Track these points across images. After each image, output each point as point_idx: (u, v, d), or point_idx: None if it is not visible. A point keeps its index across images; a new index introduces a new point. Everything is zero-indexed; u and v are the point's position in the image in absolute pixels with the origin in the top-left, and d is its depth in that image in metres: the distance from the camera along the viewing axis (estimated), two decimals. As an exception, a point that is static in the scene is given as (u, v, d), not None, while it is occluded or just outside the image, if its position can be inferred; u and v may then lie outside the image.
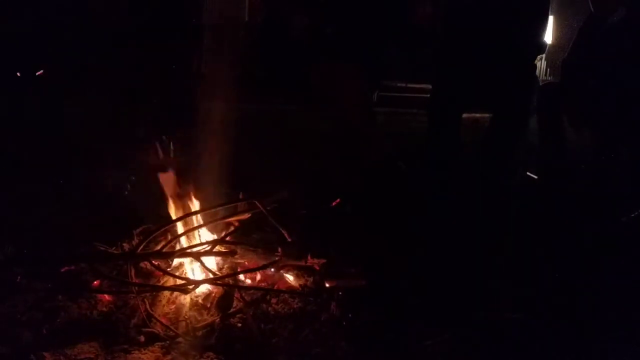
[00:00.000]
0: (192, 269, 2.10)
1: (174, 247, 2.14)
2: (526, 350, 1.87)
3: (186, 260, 2.10)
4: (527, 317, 2.04)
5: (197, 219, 2.22)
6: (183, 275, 2.07)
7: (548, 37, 3.50)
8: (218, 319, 1.89)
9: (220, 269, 2.12)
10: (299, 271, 2.16)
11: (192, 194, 2.24)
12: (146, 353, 1.74)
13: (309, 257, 2.15)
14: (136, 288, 1.95)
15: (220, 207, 2.31)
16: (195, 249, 2.09)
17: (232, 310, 1.94)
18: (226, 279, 2.03)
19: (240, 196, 2.39)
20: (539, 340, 1.93)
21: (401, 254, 2.47)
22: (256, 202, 2.25)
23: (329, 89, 3.65)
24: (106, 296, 1.98)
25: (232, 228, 2.27)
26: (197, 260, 2.03)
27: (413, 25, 3.37)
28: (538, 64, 3.48)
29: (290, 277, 2.14)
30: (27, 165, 3.14)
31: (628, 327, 2.00)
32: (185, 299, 1.98)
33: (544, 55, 3.58)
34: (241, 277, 2.09)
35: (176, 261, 2.12)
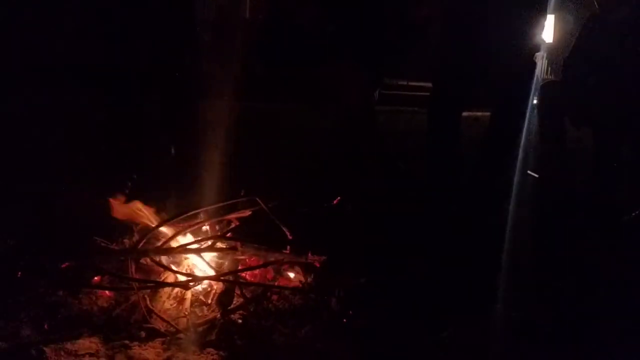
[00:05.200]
0: (192, 265, 2.10)
1: (175, 243, 2.14)
2: (526, 350, 1.88)
3: (187, 257, 2.10)
4: (527, 316, 2.04)
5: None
6: (184, 272, 2.07)
7: (548, 36, 3.49)
8: (219, 315, 1.89)
9: (221, 266, 2.12)
10: (300, 268, 2.16)
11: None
12: (147, 349, 1.75)
13: (309, 254, 2.15)
14: (137, 284, 1.95)
15: (222, 204, 2.32)
16: (195, 245, 2.09)
17: (232, 306, 1.94)
18: (227, 275, 2.03)
19: (242, 193, 2.40)
20: (540, 339, 1.93)
21: (401, 253, 2.47)
22: (257, 200, 2.25)
23: (330, 88, 3.65)
24: (107, 292, 1.98)
25: (232, 225, 2.27)
26: (198, 256, 2.03)
27: (413, 23, 3.37)
28: (539, 63, 3.47)
29: (291, 274, 2.14)
30: (27, 163, 3.13)
31: (628, 326, 2.00)
32: (186, 295, 1.98)
33: (544, 54, 3.57)
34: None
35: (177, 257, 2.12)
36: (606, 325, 2.02)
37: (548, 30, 3.46)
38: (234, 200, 2.36)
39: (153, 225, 2.16)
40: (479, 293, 2.18)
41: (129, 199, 2.33)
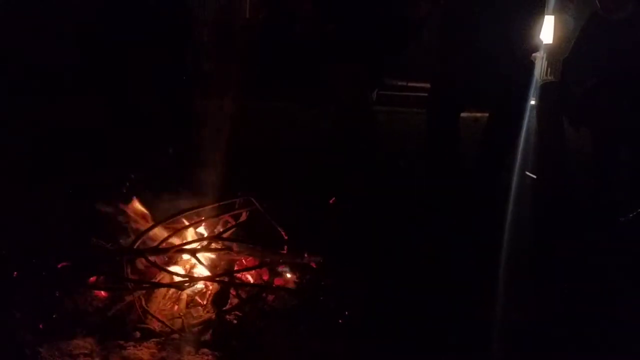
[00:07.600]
0: (188, 266, 2.10)
1: (170, 243, 2.13)
2: (526, 351, 1.87)
3: (182, 257, 2.10)
4: (527, 317, 2.04)
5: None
6: (179, 272, 2.06)
7: (548, 36, 3.48)
8: (214, 316, 1.89)
9: (216, 266, 2.12)
10: (296, 268, 2.16)
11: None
12: (141, 349, 1.74)
13: (305, 255, 2.14)
14: (132, 284, 1.95)
15: (218, 205, 2.31)
16: (191, 246, 2.09)
17: (228, 307, 1.94)
18: (222, 275, 2.03)
19: (238, 193, 2.39)
20: (539, 340, 1.93)
21: (400, 252, 2.47)
22: (253, 200, 2.25)
23: (329, 88, 3.65)
24: (102, 292, 1.98)
25: (228, 225, 2.26)
26: (193, 257, 2.03)
27: (412, 23, 3.37)
28: (539, 63, 3.46)
29: (287, 275, 2.14)
30: (25, 163, 3.13)
31: (628, 326, 2.00)
32: (181, 296, 1.98)
33: (544, 54, 3.57)
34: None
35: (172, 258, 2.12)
36: (606, 325, 2.02)
37: (548, 31, 3.46)
38: (230, 200, 2.36)
39: (149, 226, 2.15)
40: (478, 293, 2.17)
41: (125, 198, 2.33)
